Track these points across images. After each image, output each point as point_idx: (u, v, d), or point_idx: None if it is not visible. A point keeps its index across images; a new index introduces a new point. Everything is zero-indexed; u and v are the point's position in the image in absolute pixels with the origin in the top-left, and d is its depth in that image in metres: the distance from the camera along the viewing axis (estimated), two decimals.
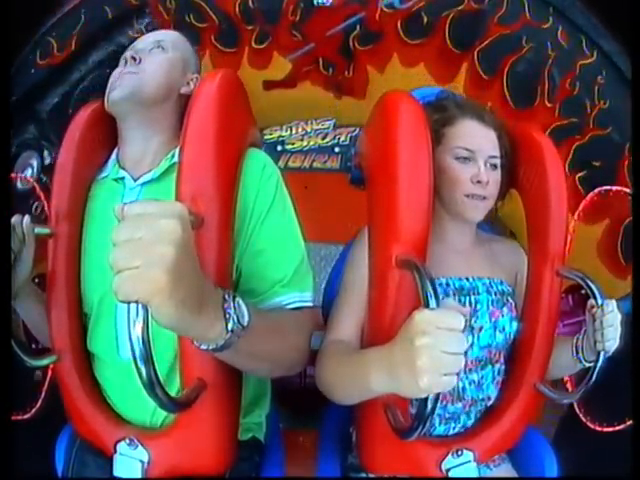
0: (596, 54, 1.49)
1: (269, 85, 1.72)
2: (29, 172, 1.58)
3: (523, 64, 1.55)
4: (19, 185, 1.56)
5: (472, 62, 1.59)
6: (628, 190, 1.47)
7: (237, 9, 1.56)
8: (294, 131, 1.76)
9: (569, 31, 1.51)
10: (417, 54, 1.60)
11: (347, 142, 1.76)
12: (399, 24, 1.57)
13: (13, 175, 1.53)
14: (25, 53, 1.60)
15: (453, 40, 1.58)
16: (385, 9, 1.55)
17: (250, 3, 1.56)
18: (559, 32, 1.51)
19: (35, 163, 1.57)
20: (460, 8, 1.54)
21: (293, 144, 1.77)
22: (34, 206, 1.51)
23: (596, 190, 1.51)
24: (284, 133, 1.76)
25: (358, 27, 1.59)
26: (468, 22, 1.55)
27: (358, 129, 1.72)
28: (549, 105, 1.54)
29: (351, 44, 1.62)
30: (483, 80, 1.57)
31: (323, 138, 1.76)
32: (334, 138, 1.76)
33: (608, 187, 1.50)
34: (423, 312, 0.66)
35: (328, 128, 1.75)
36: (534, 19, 1.51)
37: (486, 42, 1.56)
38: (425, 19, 1.56)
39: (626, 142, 1.48)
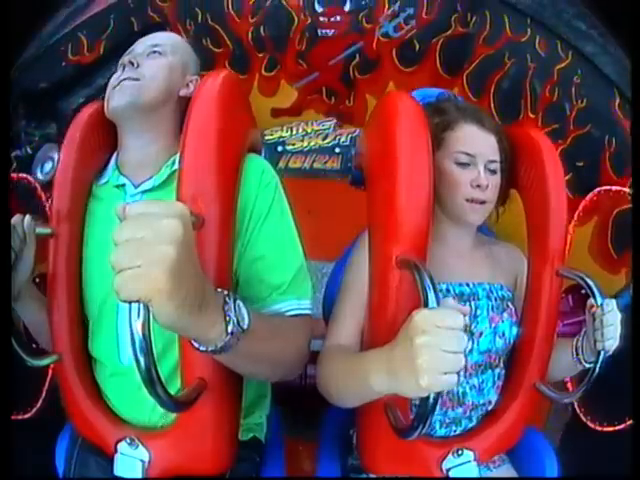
0: (571, 55, 1.51)
1: (277, 113, 1.76)
2: (49, 165, 1.58)
3: (507, 80, 1.57)
4: (37, 178, 1.57)
5: (462, 86, 1.63)
6: (628, 190, 1.47)
7: (250, 36, 1.60)
8: (294, 132, 1.76)
9: (546, 39, 1.53)
10: (411, 81, 1.62)
11: (348, 142, 1.76)
12: (394, 52, 1.60)
13: (14, 175, 1.53)
14: (56, 43, 1.61)
15: (444, 66, 1.61)
16: (381, 38, 1.58)
17: (262, 30, 1.59)
18: (537, 42, 1.53)
19: (56, 157, 1.57)
20: (448, 33, 1.57)
21: (294, 145, 1.76)
22: (49, 202, 1.52)
23: (596, 190, 1.51)
24: (284, 134, 1.76)
25: (357, 56, 1.62)
26: (457, 47, 1.58)
27: (359, 129, 1.72)
28: (532, 116, 1.57)
29: (351, 73, 1.65)
30: (472, 102, 1.60)
31: (324, 139, 1.76)
32: (335, 139, 1.75)
33: (608, 187, 1.50)
34: (423, 311, 0.66)
35: (329, 129, 1.75)
36: (514, 34, 1.54)
37: (473, 65, 1.59)
38: (417, 46, 1.59)
39: (605, 136, 1.50)
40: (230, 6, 1.58)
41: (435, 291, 0.69)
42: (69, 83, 1.62)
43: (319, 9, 1.56)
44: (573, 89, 1.50)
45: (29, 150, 1.61)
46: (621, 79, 1.47)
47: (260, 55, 1.64)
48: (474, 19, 1.55)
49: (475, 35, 1.56)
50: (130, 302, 0.53)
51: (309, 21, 1.57)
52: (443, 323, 0.63)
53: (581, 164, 1.52)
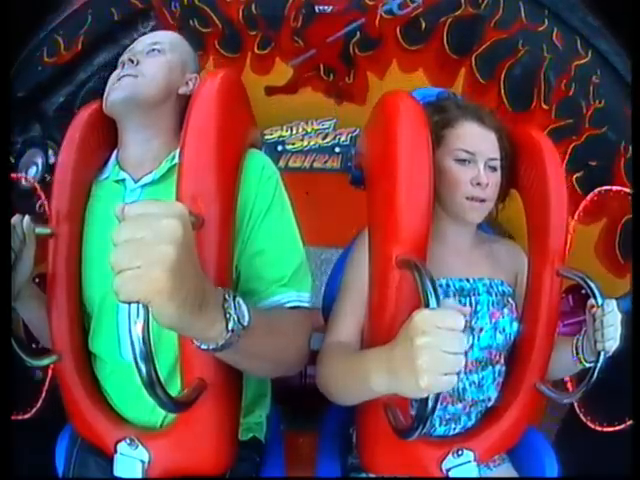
0: (590, 54, 1.50)
1: (271, 91, 1.74)
2: (34, 170, 1.58)
3: (519, 67, 1.56)
4: (23, 183, 1.56)
5: (470, 67, 1.61)
6: (628, 190, 1.47)
7: (240, 15, 1.58)
8: (294, 131, 1.76)
9: (564, 32, 1.52)
10: (416, 60, 1.62)
11: (347, 142, 1.76)
12: (398, 30, 1.59)
13: (14, 175, 1.53)
14: (32, 49, 1.61)
15: (451, 46, 1.60)
16: (384, 15, 1.57)
17: (253, 9, 1.58)
18: (554, 34, 1.52)
19: (40, 161, 1.58)
20: (457, 14, 1.55)
21: (293, 144, 1.77)
22: (38, 204, 1.51)
23: (596, 190, 1.51)
24: (284, 133, 1.76)
25: (358, 33, 1.61)
26: (465, 27, 1.57)
27: (358, 129, 1.72)
28: (545, 107, 1.55)
29: (351, 50, 1.64)
30: (481, 85, 1.58)
31: (323, 138, 1.76)
32: (334, 138, 1.76)
33: (608, 187, 1.50)
34: (423, 312, 0.66)
35: (328, 128, 1.76)
36: (529, 22, 1.53)
37: (483, 47, 1.58)
38: (423, 25, 1.58)
39: (621, 140, 1.49)
40: None
41: (435, 291, 0.69)
42: (48, 84, 1.62)
43: None
44: (591, 88, 1.49)
45: (12, 158, 1.60)
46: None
47: (252, 34, 1.62)
48: (486, 1, 1.53)
49: (486, 18, 1.54)
50: (130, 303, 0.53)
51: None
52: (443, 324, 0.63)
53: (594, 164, 1.51)
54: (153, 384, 0.58)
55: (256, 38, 1.63)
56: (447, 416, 1.00)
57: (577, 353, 1.00)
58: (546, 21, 1.52)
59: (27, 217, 0.92)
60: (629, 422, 1.43)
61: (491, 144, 1.02)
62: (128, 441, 0.90)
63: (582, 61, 1.50)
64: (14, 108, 1.57)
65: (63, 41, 1.59)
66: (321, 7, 1.57)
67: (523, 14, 1.53)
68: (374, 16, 1.57)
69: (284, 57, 1.68)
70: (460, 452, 0.96)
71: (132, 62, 0.98)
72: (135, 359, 0.55)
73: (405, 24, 1.57)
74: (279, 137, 1.77)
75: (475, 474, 0.96)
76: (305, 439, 1.50)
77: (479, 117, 1.03)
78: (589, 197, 1.52)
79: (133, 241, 0.52)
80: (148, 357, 0.55)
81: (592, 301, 0.94)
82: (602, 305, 0.92)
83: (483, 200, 1.00)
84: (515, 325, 1.03)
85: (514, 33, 1.54)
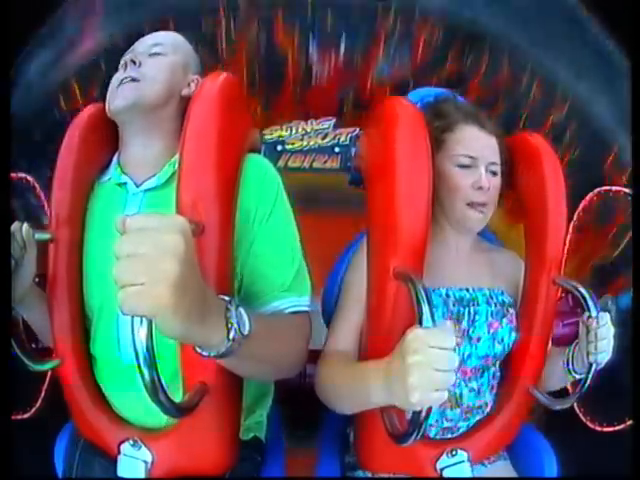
0: (568, 101, 1.51)
1: None
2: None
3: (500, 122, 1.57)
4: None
5: None
6: (628, 190, 1.47)
7: (245, 76, 1.59)
8: (294, 131, 1.75)
9: (544, 82, 1.52)
10: None
11: (347, 142, 1.75)
12: (388, 94, 1.59)
13: (13, 175, 1.52)
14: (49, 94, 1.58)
15: None
16: (376, 78, 1.59)
17: (256, 72, 1.60)
18: (534, 86, 1.52)
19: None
20: (443, 74, 1.56)
21: (293, 144, 1.76)
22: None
23: (595, 190, 1.51)
24: (284, 133, 1.75)
25: (352, 97, 1.63)
26: (451, 87, 1.57)
27: (358, 129, 1.72)
28: None
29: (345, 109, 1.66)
30: None
31: (323, 138, 1.75)
32: (334, 138, 1.75)
33: (608, 187, 1.50)
34: (415, 331, 0.68)
35: (328, 128, 1.75)
36: (510, 76, 1.53)
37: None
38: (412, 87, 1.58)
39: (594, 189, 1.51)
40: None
41: (430, 307, 0.70)
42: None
43: (313, 52, 1.58)
44: (567, 135, 1.51)
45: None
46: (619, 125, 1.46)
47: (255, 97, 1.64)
48: (470, 58, 1.55)
49: (470, 76, 1.55)
50: (134, 316, 0.54)
51: (303, 65, 1.59)
52: (435, 343, 0.65)
53: None
54: (156, 390, 0.58)
55: (259, 100, 1.65)
56: (446, 424, 1.01)
57: (568, 364, 1.00)
58: (527, 73, 1.52)
59: (26, 224, 0.91)
60: (629, 422, 1.44)
61: (492, 148, 1.02)
62: (131, 442, 0.91)
63: (559, 112, 1.51)
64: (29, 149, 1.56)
65: (79, 88, 1.57)
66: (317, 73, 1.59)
67: (505, 68, 1.53)
68: (366, 80, 1.59)
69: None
70: (454, 452, 0.98)
71: (134, 63, 0.96)
72: (138, 366, 0.56)
73: (395, 87, 1.58)
74: (279, 137, 1.76)
75: (469, 474, 0.98)
76: (305, 440, 1.51)
77: (479, 121, 1.02)
78: (588, 197, 1.52)
79: (136, 256, 0.52)
80: (151, 364, 0.56)
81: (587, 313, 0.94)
82: (596, 317, 0.92)
83: (484, 204, 0.99)
84: (514, 335, 1.03)
85: (495, 89, 1.54)
